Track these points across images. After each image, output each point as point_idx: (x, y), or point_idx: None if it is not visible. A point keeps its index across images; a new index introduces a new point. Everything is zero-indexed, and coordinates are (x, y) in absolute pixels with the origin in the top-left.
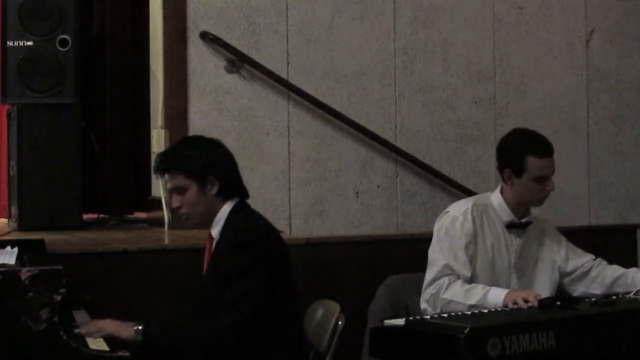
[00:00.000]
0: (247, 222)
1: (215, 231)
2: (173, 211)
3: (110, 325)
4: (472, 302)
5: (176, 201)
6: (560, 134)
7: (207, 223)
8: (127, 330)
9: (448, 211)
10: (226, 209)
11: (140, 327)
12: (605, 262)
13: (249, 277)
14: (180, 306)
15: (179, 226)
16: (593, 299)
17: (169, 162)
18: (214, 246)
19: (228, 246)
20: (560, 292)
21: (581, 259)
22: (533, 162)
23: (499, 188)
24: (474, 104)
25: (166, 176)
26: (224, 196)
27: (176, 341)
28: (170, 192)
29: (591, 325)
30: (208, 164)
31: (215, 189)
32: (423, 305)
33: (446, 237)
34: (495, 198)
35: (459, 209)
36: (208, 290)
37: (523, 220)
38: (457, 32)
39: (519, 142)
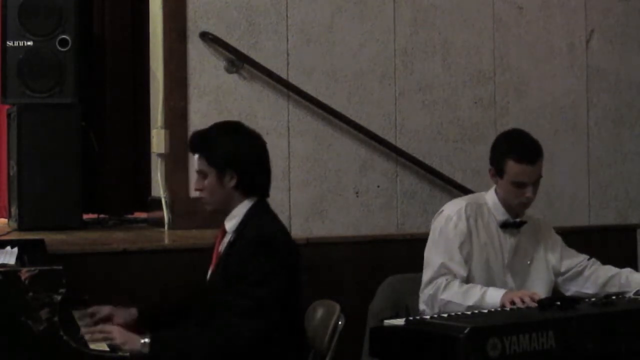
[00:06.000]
0: (267, 225)
1: (230, 225)
2: (173, 211)
3: (118, 335)
4: (470, 302)
5: (198, 183)
6: (560, 134)
7: (224, 213)
8: (133, 343)
9: (443, 210)
10: (244, 206)
11: (147, 341)
12: (598, 262)
13: (268, 284)
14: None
15: (179, 226)
16: (593, 299)
17: (197, 144)
18: (226, 243)
19: (246, 249)
20: (554, 292)
21: (575, 259)
22: (511, 166)
23: (493, 187)
24: (474, 104)
25: (196, 156)
26: (242, 191)
27: (188, 350)
28: (196, 172)
29: (591, 325)
30: (230, 156)
31: (233, 182)
32: (421, 306)
33: (441, 237)
34: (490, 197)
35: (453, 208)
36: (215, 288)
37: (517, 220)
38: (457, 32)
39: (503, 143)
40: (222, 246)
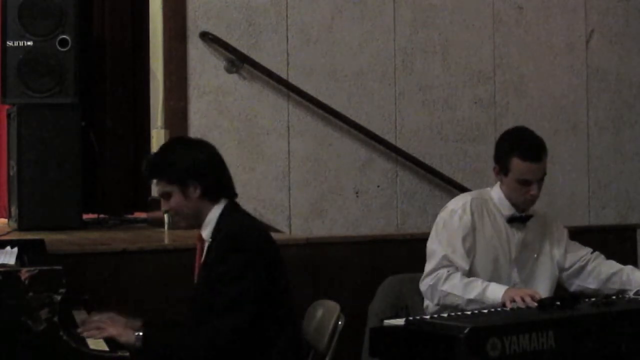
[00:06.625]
0: (237, 224)
1: (206, 233)
2: None
3: (112, 328)
4: (471, 296)
5: (164, 205)
6: (560, 134)
7: (198, 225)
8: (128, 335)
9: (448, 205)
10: (216, 211)
11: (140, 333)
12: (602, 256)
13: (243, 280)
14: (180, 306)
15: (179, 226)
16: (593, 299)
17: (151, 169)
18: (205, 249)
19: (220, 249)
20: (558, 287)
21: (579, 253)
22: (517, 164)
23: (498, 183)
24: (474, 104)
25: (154, 182)
26: (210, 198)
27: (176, 348)
28: (159, 197)
29: (591, 325)
30: (186, 168)
31: (197, 192)
32: (425, 302)
33: (444, 230)
34: (495, 192)
35: (458, 202)
36: (200, 293)
37: (523, 214)
38: (457, 32)
39: (507, 141)
40: (203, 254)
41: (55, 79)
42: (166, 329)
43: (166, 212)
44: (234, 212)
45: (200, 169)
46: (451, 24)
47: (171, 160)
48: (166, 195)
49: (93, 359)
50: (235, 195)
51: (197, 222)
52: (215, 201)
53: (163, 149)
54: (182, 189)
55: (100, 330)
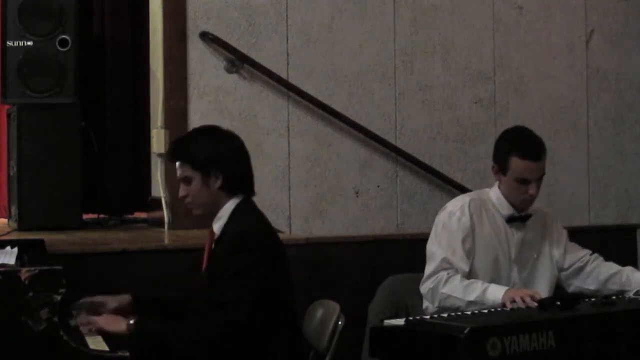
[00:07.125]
0: (249, 223)
1: (217, 226)
2: (173, 211)
3: (100, 320)
4: (471, 298)
5: (182, 190)
6: (560, 134)
7: (211, 215)
8: (118, 324)
9: (446, 207)
10: (230, 205)
11: (132, 322)
12: (601, 258)
13: (245, 278)
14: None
15: (179, 226)
16: (593, 299)
17: (177, 151)
18: (214, 243)
19: (228, 245)
20: (557, 287)
21: (578, 254)
22: (516, 163)
23: (497, 183)
24: (474, 104)
25: (177, 164)
26: (228, 191)
27: (166, 338)
28: (179, 181)
29: (591, 325)
30: (213, 157)
31: (218, 183)
32: (425, 303)
33: (444, 232)
34: (494, 193)
35: (456, 204)
36: (202, 286)
37: (522, 214)
38: (457, 32)
39: (507, 140)
40: (211, 247)
41: (55, 79)
42: (159, 321)
43: (183, 197)
44: (247, 209)
45: (227, 160)
46: (451, 24)
47: (198, 146)
48: (187, 180)
49: (93, 359)
50: (253, 192)
51: (210, 212)
52: (232, 195)
53: (193, 133)
54: (204, 176)
55: (89, 323)
